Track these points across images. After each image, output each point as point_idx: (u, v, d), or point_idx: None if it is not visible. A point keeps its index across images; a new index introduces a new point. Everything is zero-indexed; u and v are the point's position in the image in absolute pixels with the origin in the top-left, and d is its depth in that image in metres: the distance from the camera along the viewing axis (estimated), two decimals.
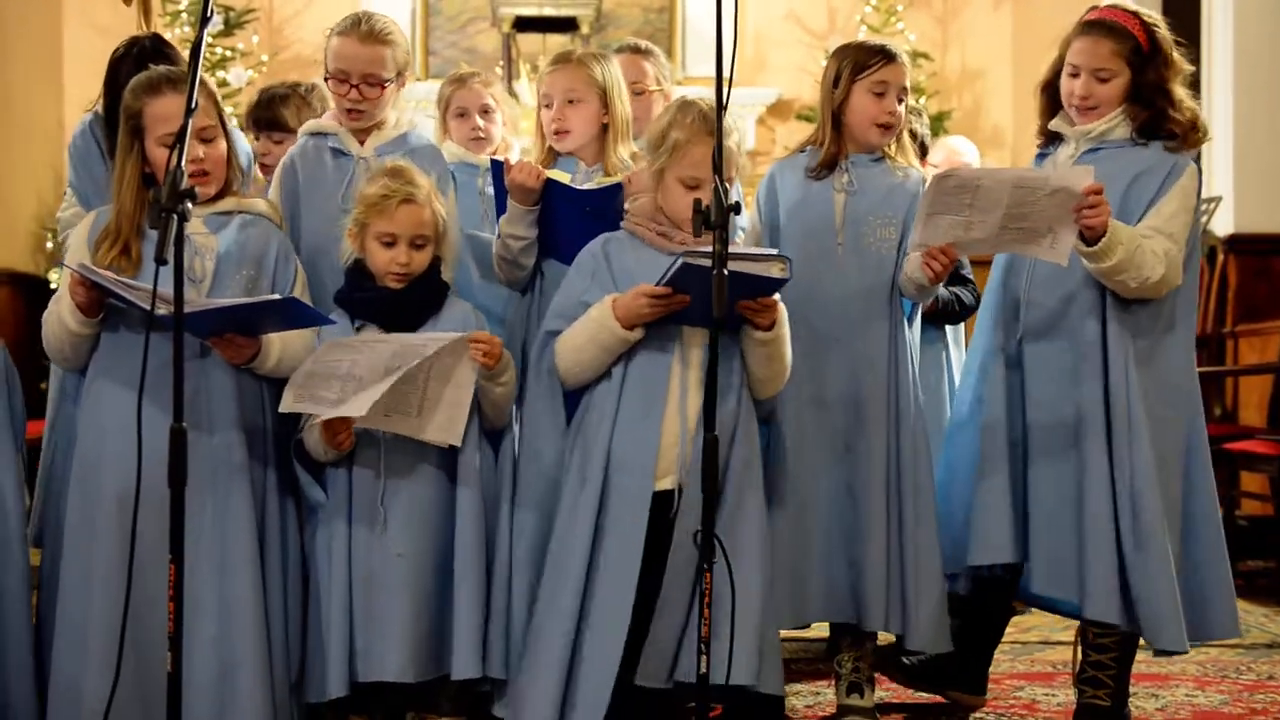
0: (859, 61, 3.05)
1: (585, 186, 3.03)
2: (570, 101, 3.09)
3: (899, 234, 3.05)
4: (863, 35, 7.77)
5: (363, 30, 3.00)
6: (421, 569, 2.77)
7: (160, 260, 2.17)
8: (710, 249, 2.33)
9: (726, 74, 2.42)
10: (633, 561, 2.69)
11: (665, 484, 2.73)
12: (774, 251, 2.72)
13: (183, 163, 2.24)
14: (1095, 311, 2.89)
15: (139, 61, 3.41)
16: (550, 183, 2.94)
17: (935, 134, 7.59)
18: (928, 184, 2.90)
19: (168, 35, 6.63)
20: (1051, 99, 3.04)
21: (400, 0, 8.15)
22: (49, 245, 7.35)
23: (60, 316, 2.72)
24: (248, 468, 2.74)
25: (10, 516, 2.72)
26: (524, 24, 7.83)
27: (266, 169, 3.55)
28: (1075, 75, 2.94)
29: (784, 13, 8.07)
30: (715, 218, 2.36)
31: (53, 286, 6.98)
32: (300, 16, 7.88)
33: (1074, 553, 2.88)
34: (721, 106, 2.46)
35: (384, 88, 3.03)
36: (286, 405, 2.71)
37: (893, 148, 3.12)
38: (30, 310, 6.80)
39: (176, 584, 2.21)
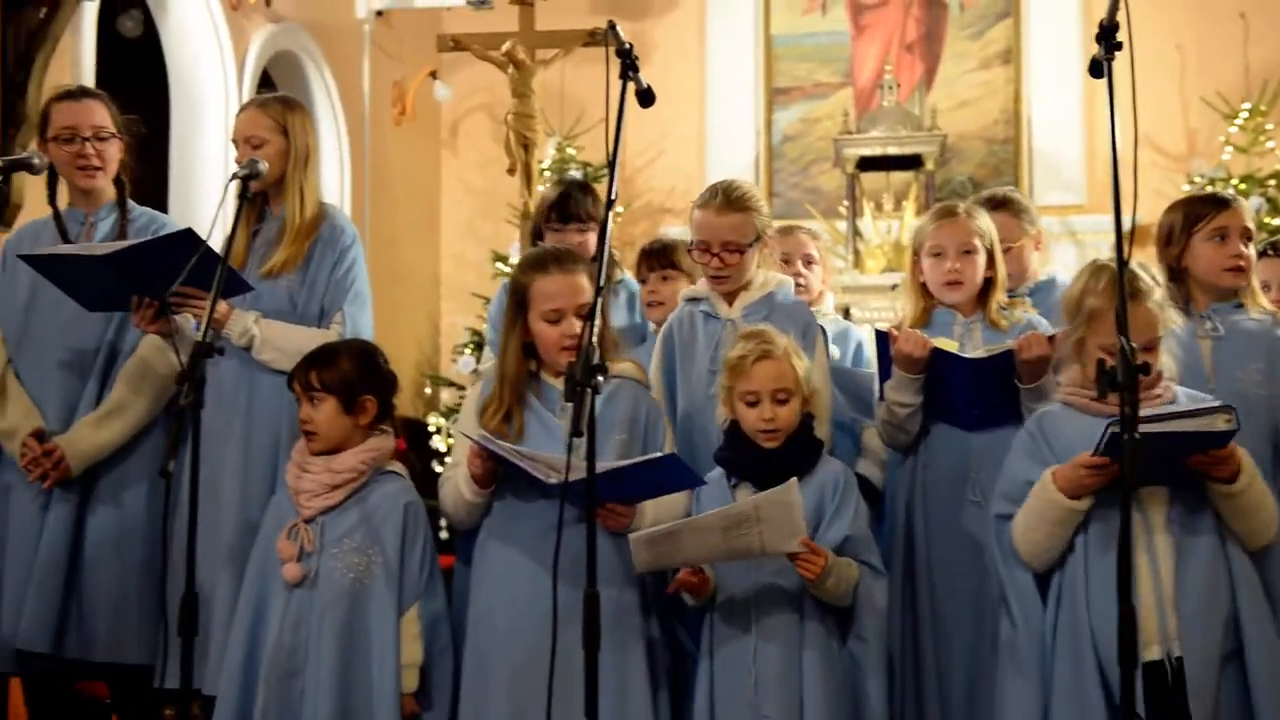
0: (1191, 213, 3.09)
1: (975, 355, 2.99)
2: (966, 253, 3.10)
3: (1270, 378, 3.00)
4: (1227, 156, 7.41)
5: (719, 201, 3.10)
6: None
7: (576, 433, 2.28)
8: (1152, 413, 2.30)
9: (1126, 229, 2.35)
10: None
11: (1151, 654, 2.55)
12: (1216, 403, 2.58)
13: (593, 338, 2.37)
14: None
15: (564, 191, 3.73)
16: (937, 351, 2.94)
17: None
18: None
19: (533, 190, 7.16)
20: None
21: (744, 145, 8.44)
22: (427, 391, 7.93)
23: (456, 484, 2.90)
24: (637, 625, 2.82)
25: (386, 671, 2.83)
26: (867, 163, 7.91)
27: (651, 306, 3.68)
28: None
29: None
30: (1122, 378, 2.28)
31: (430, 429, 7.51)
32: (652, 166, 8.27)
33: None
34: (1123, 261, 2.38)
35: (743, 253, 3.10)
36: (642, 567, 2.77)
37: (1243, 292, 3.10)
38: (411, 453, 7.32)
39: None
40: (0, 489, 3.23)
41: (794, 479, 2.71)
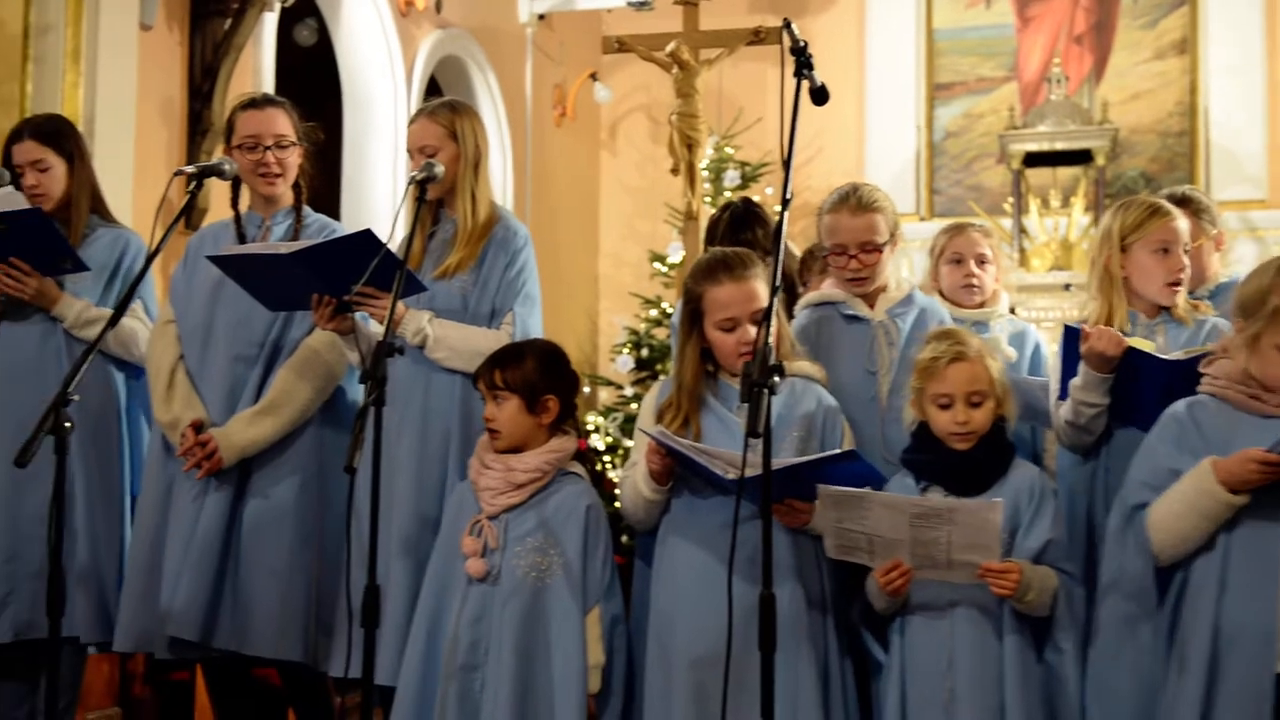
0: None
1: (1173, 356, 2.88)
2: (1185, 250, 3.02)
3: None
4: None
5: (852, 203, 3.11)
6: None
7: (753, 434, 2.27)
8: None
9: None
10: None
11: None
12: None
13: (769, 338, 2.35)
14: None
15: (732, 224, 3.74)
16: (1131, 350, 2.84)
17: None
18: None
19: (696, 189, 7.16)
20: None
21: (904, 141, 8.32)
22: (585, 390, 8.01)
23: (635, 483, 2.92)
24: (809, 627, 2.80)
25: (572, 671, 2.84)
26: (1033, 159, 7.72)
27: None
28: None
29: None
30: None
31: (589, 428, 7.58)
32: (810, 165, 8.19)
33: None
34: None
35: (880, 252, 3.10)
36: (832, 553, 2.76)
37: None
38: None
39: None
40: (166, 479, 3.32)
41: (1001, 500, 2.64)
